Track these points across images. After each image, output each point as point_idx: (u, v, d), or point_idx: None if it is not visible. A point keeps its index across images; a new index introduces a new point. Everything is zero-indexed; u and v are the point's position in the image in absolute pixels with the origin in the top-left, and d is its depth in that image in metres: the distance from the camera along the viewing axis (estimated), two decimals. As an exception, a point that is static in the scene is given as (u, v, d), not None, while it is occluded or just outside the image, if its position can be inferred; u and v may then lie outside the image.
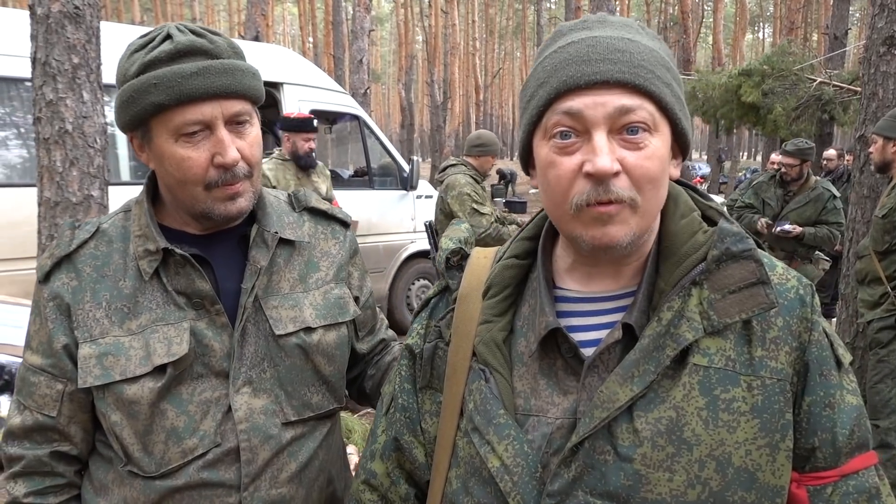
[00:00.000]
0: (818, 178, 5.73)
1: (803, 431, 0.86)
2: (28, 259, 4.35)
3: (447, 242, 1.05)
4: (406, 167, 6.88)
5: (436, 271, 1.12)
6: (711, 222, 0.93)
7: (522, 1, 36.54)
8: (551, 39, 0.90)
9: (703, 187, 16.51)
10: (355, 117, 6.81)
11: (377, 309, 1.46)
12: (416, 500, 1.04)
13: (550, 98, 0.83)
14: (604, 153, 0.80)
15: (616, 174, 0.81)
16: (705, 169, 24.50)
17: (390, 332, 1.48)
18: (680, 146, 0.89)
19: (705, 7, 32.82)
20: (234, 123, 1.13)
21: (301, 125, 4.85)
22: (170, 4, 31.28)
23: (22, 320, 4.06)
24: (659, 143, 0.83)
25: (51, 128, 2.50)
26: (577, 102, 0.81)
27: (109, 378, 1.13)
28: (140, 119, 1.11)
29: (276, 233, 1.24)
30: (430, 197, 7.20)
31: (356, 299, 1.35)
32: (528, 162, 0.94)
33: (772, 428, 0.82)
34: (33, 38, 2.52)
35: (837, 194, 5.49)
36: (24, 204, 4.35)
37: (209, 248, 1.21)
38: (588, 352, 0.88)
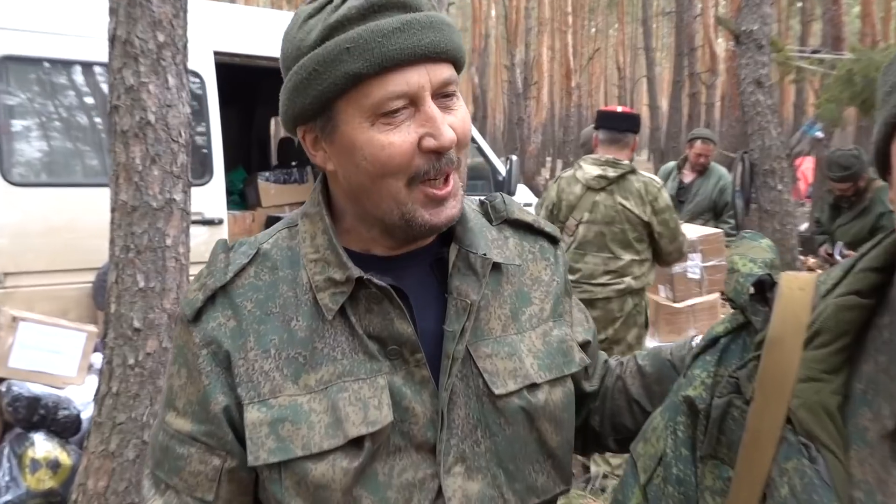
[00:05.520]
0: None
1: None
2: (69, 272, 4.43)
3: (748, 265, 0.93)
4: (502, 169, 6.78)
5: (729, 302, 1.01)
6: None
7: (620, -33, 36.36)
8: None
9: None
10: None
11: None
12: None
13: None
14: None
15: None
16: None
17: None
18: None
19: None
20: (441, 97, 1.03)
21: None
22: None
23: (60, 344, 4.13)
24: None
25: (130, 118, 2.48)
26: None
27: (289, 453, 1.02)
28: (325, 101, 1.01)
29: (485, 255, 1.13)
30: (530, 205, 7.09)
31: (587, 343, 1.25)
32: (885, 167, 0.83)
33: None
34: (113, 11, 2.52)
35: None
36: (64, 207, 4.44)
37: (401, 277, 1.10)
38: None
